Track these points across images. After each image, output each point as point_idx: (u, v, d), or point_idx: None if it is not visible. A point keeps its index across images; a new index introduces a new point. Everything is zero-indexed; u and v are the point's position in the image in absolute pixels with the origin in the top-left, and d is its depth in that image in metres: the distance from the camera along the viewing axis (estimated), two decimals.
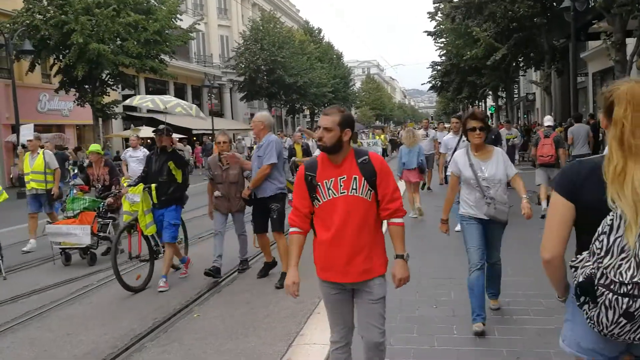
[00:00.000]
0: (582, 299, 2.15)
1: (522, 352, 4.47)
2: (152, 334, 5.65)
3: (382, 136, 31.18)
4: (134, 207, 7.49)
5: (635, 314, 2.01)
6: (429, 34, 36.58)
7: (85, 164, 21.33)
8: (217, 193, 7.67)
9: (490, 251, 5.33)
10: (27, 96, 24.69)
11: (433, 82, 45.60)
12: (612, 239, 2.04)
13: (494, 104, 43.88)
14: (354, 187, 3.32)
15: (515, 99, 41.90)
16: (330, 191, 3.35)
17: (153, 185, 7.39)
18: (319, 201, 3.39)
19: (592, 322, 2.14)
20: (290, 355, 4.78)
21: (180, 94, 40.57)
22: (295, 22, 62.01)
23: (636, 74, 18.86)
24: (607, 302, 2.04)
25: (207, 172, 7.98)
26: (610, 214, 2.07)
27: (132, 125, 31.05)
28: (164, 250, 7.68)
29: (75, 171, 11.86)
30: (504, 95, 39.66)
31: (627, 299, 2.00)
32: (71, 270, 8.56)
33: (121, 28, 22.63)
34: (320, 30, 60.05)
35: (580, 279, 2.14)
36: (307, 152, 14.27)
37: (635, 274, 1.98)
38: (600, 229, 2.08)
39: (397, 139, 35.21)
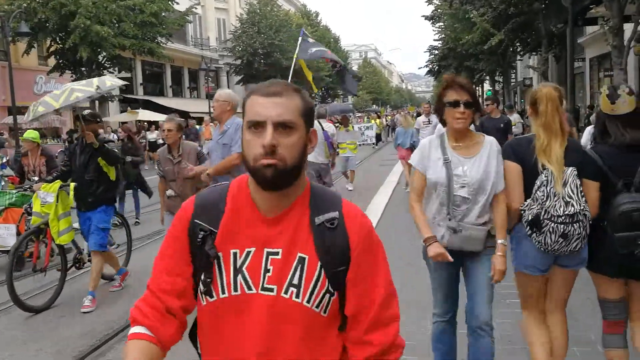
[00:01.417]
0: (531, 230, 3.23)
1: (513, 336, 4.53)
2: None
3: (378, 121, 31.01)
4: (46, 209, 6.08)
5: (569, 234, 3.13)
6: (427, 18, 36.45)
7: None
8: (169, 192, 6.34)
9: (471, 302, 3.42)
10: (23, 78, 24.56)
11: (430, 66, 45.49)
12: (549, 189, 3.16)
13: (491, 88, 43.84)
14: (295, 281, 1.53)
15: (512, 84, 41.89)
16: (239, 278, 1.54)
17: (72, 185, 6.06)
18: (211, 295, 1.58)
19: (540, 244, 3.20)
20: None
21: (177, 76, 40.44)
22: (292, 5, 61.59)
23: (633, 59, 18.87)
24: (550, 229, 3.14)
25: (157, 167, 6.49)
26: (544, 172, 3.20)
27: (128, 108, 30.98)
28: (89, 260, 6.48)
29: (5, 160, 10.50)
30: (501, 80, 39.63)
31: (562, 225, 3.12)
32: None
33: (121, 10, 22.54)
34: (317, 14, 59.72)
35: (529, 218, 3.21)
36: None
37: (565, 209, 3.12)
38: (539, 182, 3.20)
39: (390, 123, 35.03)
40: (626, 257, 3.15)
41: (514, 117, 14.86)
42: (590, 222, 3.18)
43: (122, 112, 31.56)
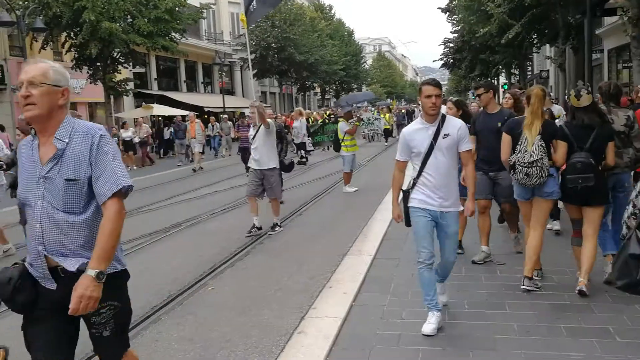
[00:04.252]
0: (512, 171, 5.27)
1: (532, 327, 4.51)
2: (168, 306, 5.75)
3: (387, 115, 30.36)
4: None
5: (530, 174, 5.08)
6: (442, 10, 36.22)
7: None
8: None
9: None
10: None
11: (445, 59, 45.23)
12: (523, 147, 5.15)
13: (507, 81, 43.47)
14: None
15: (529, 76, 41.51)
16: None
17: None
18: None
19: (516, 179, 5.25)
20: (303, 328, 4.85)
21: (191, 71, 40.56)
22: None
23: None
24: (519, 170, 5.16)
25: None
26: (522, 139, 5.18)
27: (143, 103, 31.14)
28: None
29: None
30: (517, 72, 39.28)
31: (525, 168, 5.10)
32: None
33: (132, 6, 22.63)
34: (331, 7, 59.64)
35: (511, 163, 5.24)
36: (280, 135, 10.81)
37: (529, 159, 5.07)
38: (519, 144, 5.19)
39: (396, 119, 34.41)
40: (574, 190, 5.14)
41: (556, 109, 10.37)
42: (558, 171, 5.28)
43: (136, 107, 31.71)
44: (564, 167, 5.21)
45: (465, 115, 6.76)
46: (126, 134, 21.54)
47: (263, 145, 8.76)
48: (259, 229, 8.71)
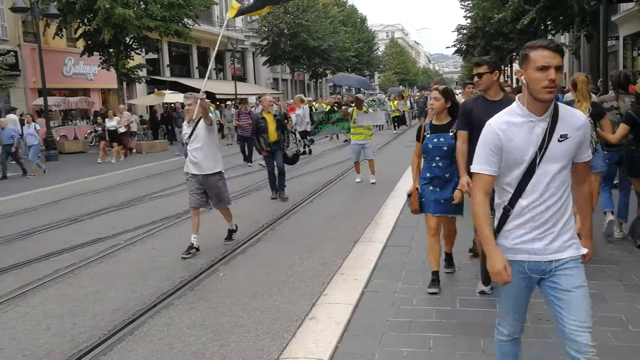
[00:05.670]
0: None
1: (545, 315, 4.48)
2: (180, 291, 5.78)
3: (396, 102, 29.41)
4: None
5: None
6: None
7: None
8: None
9: None
10: (52, 60, 24.89)
11: (458, 46, 44.85)
12: None
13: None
14: None
15: None
16: None
17: None
18: None
19: None
20: (314, 314, 4.86)
21: (203, 58, 40.50)
22: None
23: None
24: None
25: None
26: None
27: (155, 89, 31.20)
28: None
29: None
30: None
31: None
32: (99, 230, 8.73)
33: None
34: None
35: None
36: (281, 124, 10.79)
37: None
38: None
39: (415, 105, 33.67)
40: None
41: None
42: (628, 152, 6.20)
43: (149, 93, 31.77)
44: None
45: (454, 108, 5.25)
46: (110, 123, 20.05)
47: (204, 146, 7.25)
48: (197, 249, 7.23)
